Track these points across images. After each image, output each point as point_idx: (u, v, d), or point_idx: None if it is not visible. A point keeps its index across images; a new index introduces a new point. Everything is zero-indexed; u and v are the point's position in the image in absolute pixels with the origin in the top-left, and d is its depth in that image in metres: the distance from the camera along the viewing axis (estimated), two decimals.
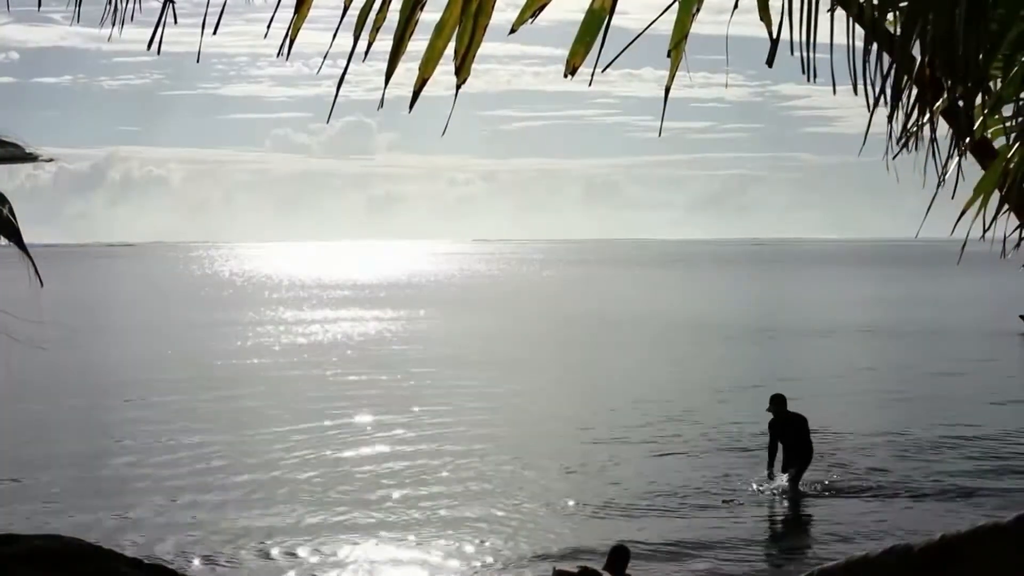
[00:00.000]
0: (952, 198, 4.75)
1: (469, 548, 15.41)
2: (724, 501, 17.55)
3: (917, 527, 15.84)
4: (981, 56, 4.05)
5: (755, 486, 18.13)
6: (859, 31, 4.26)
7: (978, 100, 4.74)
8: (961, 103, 4.08)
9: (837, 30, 4.07)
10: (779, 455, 18.18)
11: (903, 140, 4.34)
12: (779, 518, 17.03)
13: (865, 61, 4.13)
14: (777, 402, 18.37)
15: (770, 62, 4.01)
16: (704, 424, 24.29)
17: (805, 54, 4.00)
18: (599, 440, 22.77)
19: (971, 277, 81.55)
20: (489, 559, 14.93)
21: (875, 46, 4.14)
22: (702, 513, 17.09)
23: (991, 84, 4.61)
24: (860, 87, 4.11)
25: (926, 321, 51.69)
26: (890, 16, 4.37)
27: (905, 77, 4.01)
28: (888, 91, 4.06)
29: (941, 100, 4.18)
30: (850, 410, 26.27)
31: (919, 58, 4.01)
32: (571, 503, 17.63)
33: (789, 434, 18.03)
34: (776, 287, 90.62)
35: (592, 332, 48.41)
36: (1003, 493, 18.14)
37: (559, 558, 13.96)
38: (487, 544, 15.59)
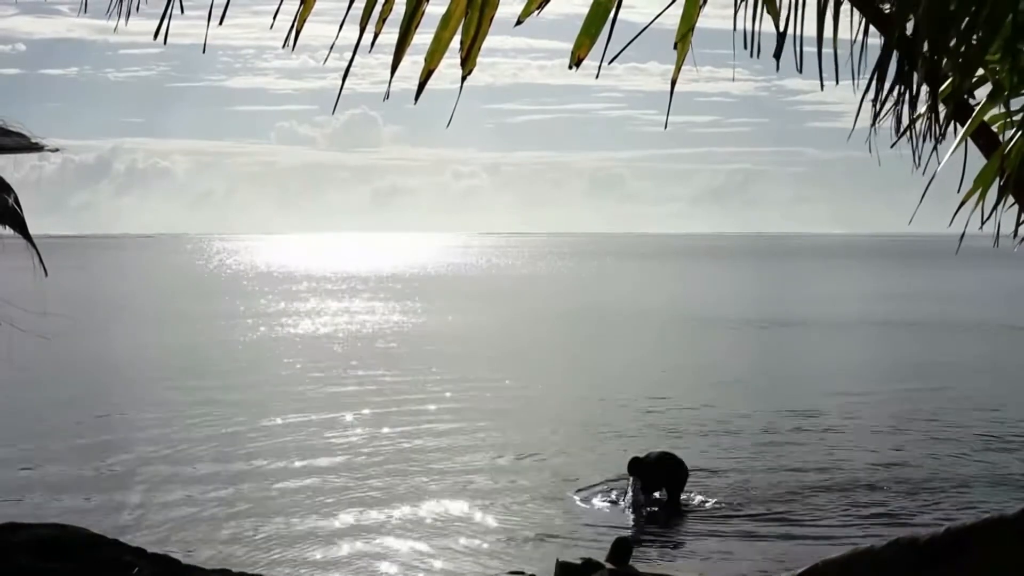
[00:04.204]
0: (958, 191, 4.77)
1: (471, 542, 15.41)
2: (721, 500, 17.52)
3: (920, 520, 15.84)
4: (976, 38, 4.05)
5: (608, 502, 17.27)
6: (858, 27, 4.27)
7: (982, 93, 4.74)
8: (948, 76, 4.09)
9: (840, 23, 4.08)
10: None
11: (901, 130, 4.34)
12: (775, 514, 16.98)
13: (863, 48, 4.14)
14: (634, 467, 17.19)
15: (777, 55, 4.02)
16: (708, 420, 24.32)
17: (817, 49, 4.00)
18: (601, 435, 22.76)
19: (975, 270, 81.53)
20: (491, 552, 14.93)
21: (880, 37, 4.14)
22: (704, 507, 17.08)
23: (992, 74, 4.61)
24: (857, 79, 4.12)
25: (931, 315, 51.61)
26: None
27: (903, 62, 4.01)
28: (885, 76, 4.06)
29: (945, 85, 4.18)
30: (852, 405, 26.25)
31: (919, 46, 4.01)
32: (573, 497, 17.62)
33: (659, 474, 17.17)
34: (780, 281, 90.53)
35: (597, 326, 48.39)
36: (1008, 486, 18.11)
37: (562, 551, 13.96)
38: (489, 537, 15.60)
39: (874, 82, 4.01)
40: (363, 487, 18.28)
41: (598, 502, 17.29)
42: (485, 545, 15.22)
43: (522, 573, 12.66)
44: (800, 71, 4.02)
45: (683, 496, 17.22)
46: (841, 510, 16.75)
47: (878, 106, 4.15)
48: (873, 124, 4.31)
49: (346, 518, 16.44)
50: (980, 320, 48.37)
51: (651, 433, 22.63)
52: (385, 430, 23.26)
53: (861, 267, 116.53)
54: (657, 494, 17.20)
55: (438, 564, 14.49)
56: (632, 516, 16.72)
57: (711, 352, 38.72)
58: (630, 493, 17.22)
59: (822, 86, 4.05)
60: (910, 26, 4.02)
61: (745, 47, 4.01)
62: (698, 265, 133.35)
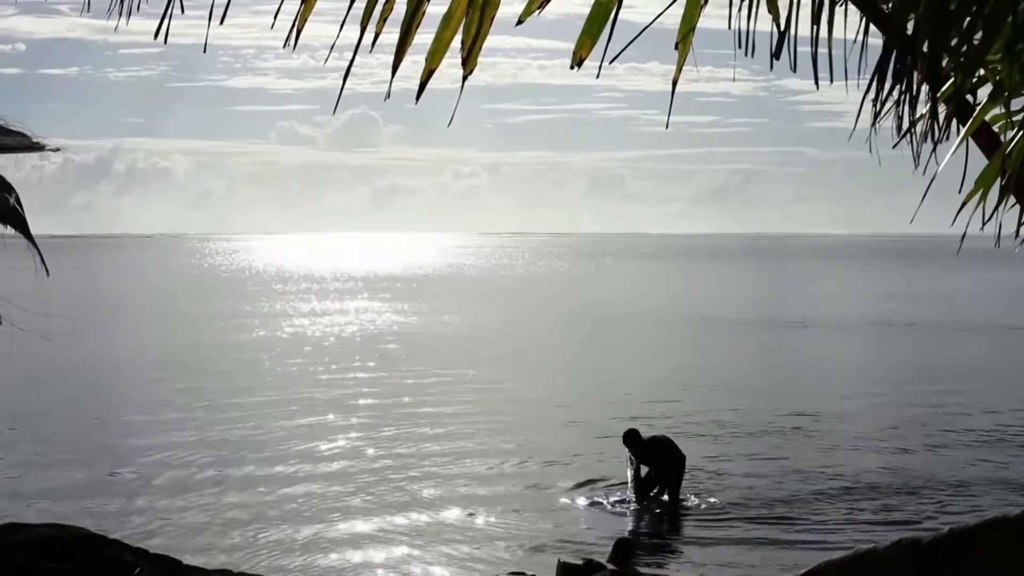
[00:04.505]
0: (959, 191, 4.77)
1: (470, 543, 15.40)
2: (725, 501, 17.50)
3: (922, 521, 15.84)
4: (979, 36, 4.05)
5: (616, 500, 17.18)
6: (859, 26, 4.28)
7: (984, 94, 4.75)
8: (951, 83, 4.08)
9: (840, 22, 4.09)
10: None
11: (902, 131, 4.34)
12: (776, 515, 16.96)
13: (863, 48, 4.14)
14: (632, 440, 17.09)
15: (777, 54, 4.02)
16: (708, 420, 24.33)
17: (812, 49, 4.01)
18: (601, 435, 22.75)
19: (977, 271, 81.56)
20: (491, 553, 14.92)
21: (878, 37, 4.14)
22: (705, 508, 17.07)
23: (993, 74, 4.62)
24: (858, 79, 4.13)
25: (933, 315, 51.59)
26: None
27: (904, 62, 4.01)
28: (886, 76, 4.06)
29: (947, 86, 4.18)
30: (853, 405, 26.26)
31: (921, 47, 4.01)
32: (573, 497, 17.61)
33: (655, 457, 17.13)
34: (781, 282, 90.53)
35: (597, 326, 48.40)
36: (1011, 487, 18.10)
37: (563, 551, 13.96)
38: (489, 539, 15.59)
39: (874, 82, 4.01)
40: (362, 489, 18.26)
41: (598, 503, 17.27)
42: (485, 546, 15.21)
43: (523, 574, 12.65)
44: (794, 70, 4.02)
45: (683, 498, 17.22)
46: (843, 511, 16.73)
47: (878, 106, 4.15)
48: (873, 124, 4.31)
49: (345, 520, 16.43)
50: (982, 321, 48.35)
51: (653, 432, 22.59)
52: (385, 431, 23.24)
53: (862, 267, 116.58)
54: (653, 492, 17.18)
55: (438, 565, 14.48)
56: (633, 516, 16.71)
57: (711, 353, 38.71)
58: (629, 470, 17.17)
59: (817, 85, 4.05)
60: (910, 26, 4.03)
61: (740, 46, 4.02)
62: (698, 265, 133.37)
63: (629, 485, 17.18)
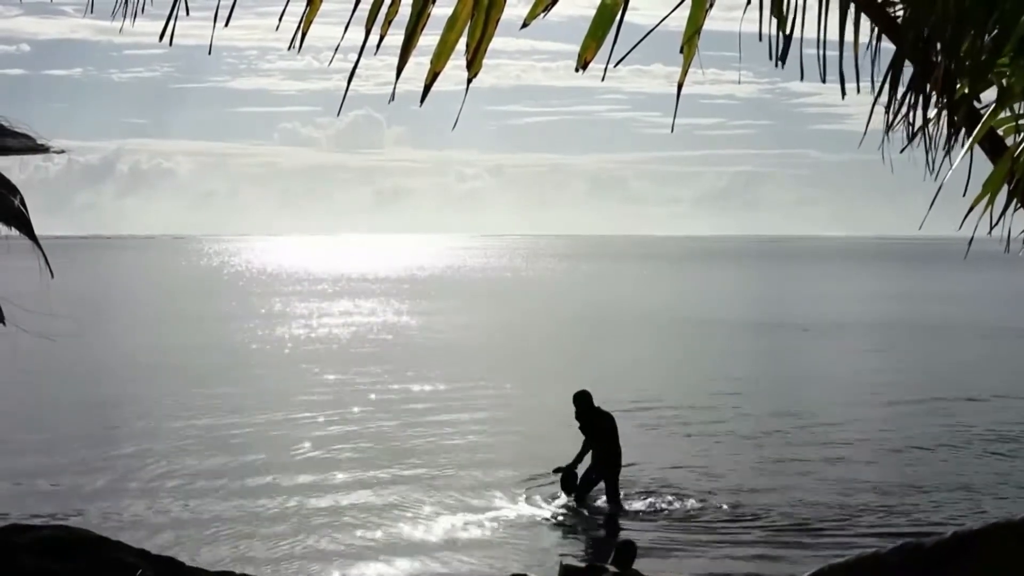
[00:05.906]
0: (964, 195, 4.77)
1: (471, 545, 15.39)
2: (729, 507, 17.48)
3: (926, 526, 15.82)
4: (987, 38, 4.05)
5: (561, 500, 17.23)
6: (864, 30, 4.28)
7: (989, 97, 4.75)
8: (960, 87, 4.09)
9: (846, 25, 4.09)
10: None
11: (910, 135, 4.35)
12: (779, 518, 16.95)
13: (875, 56, 4.14)
14: (581, 400, 17.48)
15: (783, 58, 4.02)
16: (710, 423, 24.33)
17: (820, 51, 4.01)
18: None
19: (984, 273, 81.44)
20: (492, 555, 14.92)
21: (882, 38, 4.14)
22: (707, 511, 17.05)
23: (1002, 81, 4.62)
24: (864, 83, 4.13)
25: (938, 318, 51.52)
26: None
27: (916, 69, 4.01)
28: (898, 83, 4.06)
29: (957, 92, 4.18)
30: (857, 408, 26.24)
31: (930, 55, 4.01)
32: (573, 500, 17.57)
33: (599, 433, 17.28)
34: (784, 284, 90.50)
35: (599, 328, 48.39)
36: (1016, 491, 18.09)
37: (564, 553, 13.96)
38: (489, 541, 15.58)
39: (886, 87, 4.01)
40: (363, 491, 18.25)
41: (600, 505, 17.25)
42: (486, 549, 15.20)
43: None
44: (823, 80, 4.01)
45: (686, 501, 17.21)
46: (846, 514, 16.69)
47: (891, 113, 4.15)
48: (887, 132, 4.31)
49: (346, 521, 16.42)
50: (988, 323, 48.28)
51: (653, 435, 22.62)
52: (384, 427, 23.26)
53: (866, 270, 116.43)
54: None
55: (438, 568, 14.47)
56: (633, 519, 16.69)
57: (713, 355, 38.69)
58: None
59: (843, 94, 4.05)
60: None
61: (770, 58, 4.01)
62: (700, 267, 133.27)
63: (578, 454, 17.19)
